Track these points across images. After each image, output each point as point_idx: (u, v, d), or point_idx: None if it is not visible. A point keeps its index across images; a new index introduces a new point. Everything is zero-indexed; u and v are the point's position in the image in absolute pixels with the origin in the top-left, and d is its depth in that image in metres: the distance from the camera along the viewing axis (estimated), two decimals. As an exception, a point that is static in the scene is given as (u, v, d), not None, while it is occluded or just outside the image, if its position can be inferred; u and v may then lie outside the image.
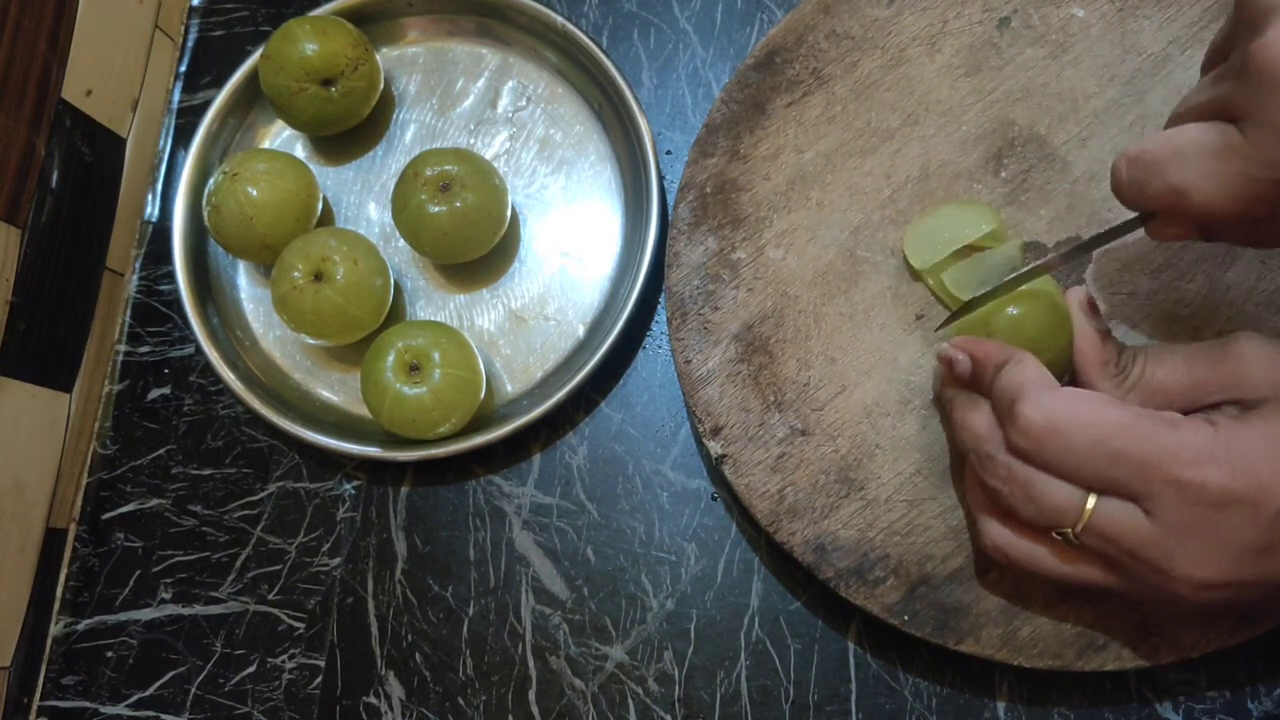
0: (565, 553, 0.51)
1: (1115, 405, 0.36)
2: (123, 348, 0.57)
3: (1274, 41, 0.32)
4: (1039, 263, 0.42)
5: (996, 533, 0.39)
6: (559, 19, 0.55)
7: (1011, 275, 0.42)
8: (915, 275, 0.48)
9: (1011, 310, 0.40)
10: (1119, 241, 0.47)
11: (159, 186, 0.59)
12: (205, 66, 0.60)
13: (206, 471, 0.55)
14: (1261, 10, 0.33)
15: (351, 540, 0.53)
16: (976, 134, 0.49)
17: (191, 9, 0.61)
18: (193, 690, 0.52)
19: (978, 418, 0.39)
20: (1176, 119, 0.37)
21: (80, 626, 0.53)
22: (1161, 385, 0.38)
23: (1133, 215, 0.39)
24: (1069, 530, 0.36)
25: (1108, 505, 0.35)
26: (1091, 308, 0.40)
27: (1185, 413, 0.37)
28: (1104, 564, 0.37)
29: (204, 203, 0.52)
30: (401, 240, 0.53)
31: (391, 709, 0.50)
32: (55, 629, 0.53)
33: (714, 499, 0.51)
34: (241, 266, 0.57)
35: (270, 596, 0.52)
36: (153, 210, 0.59)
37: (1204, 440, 0.34)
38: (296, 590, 0.52)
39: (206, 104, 0.56)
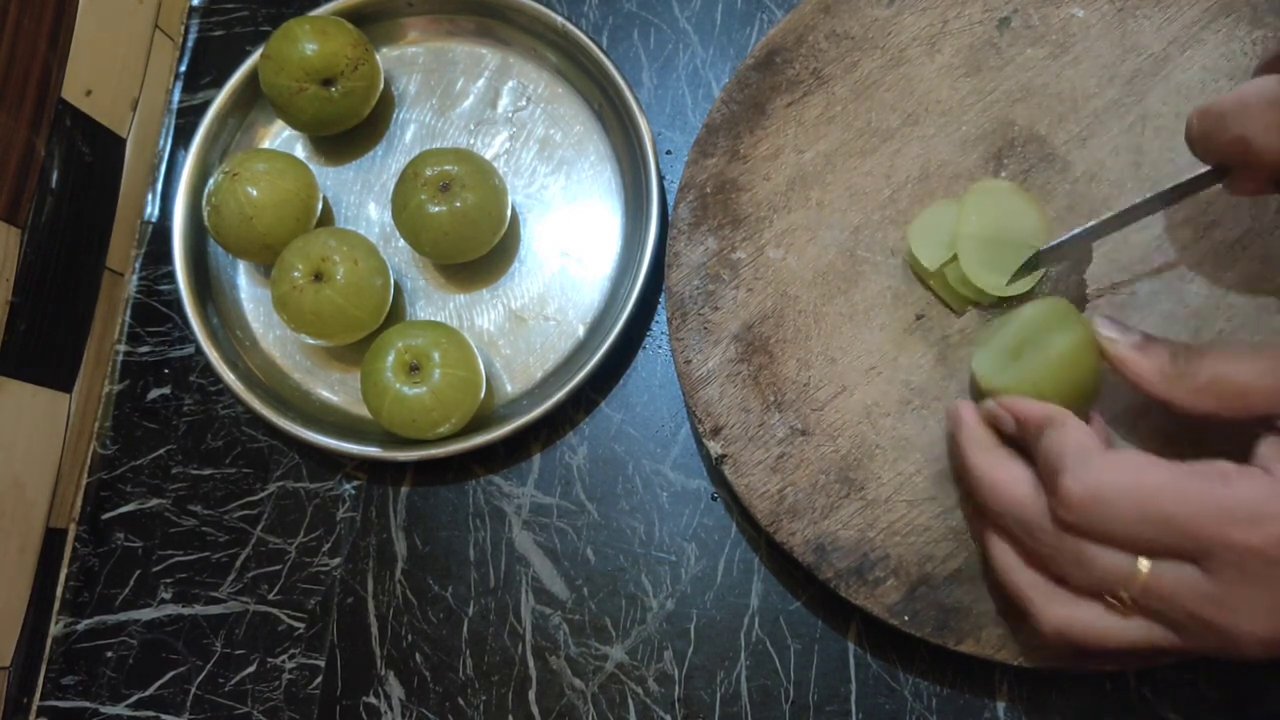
0: (565, 553, 0.51)
1: (1161, 466, 0.35)
2: (123, 348, 0.57)
3: None
4: (1102, 221, 0.42)
5: (1056, 613, 0.37)
6: (559, 19, 0.55)
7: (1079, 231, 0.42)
8: (916, 275, 0.48)
9: (1049, 361, 0.40)
10: (1119, 241, 0.47)
11: (159, 186, 0.59)
12: (205, 66, 0.60)
13: (206, 471, 0.55)
14: None
15: (351, 540, 0.53)
16: (976, 134, 0.49)
17: (191, 9, 0.61)
18: (193, 690, 0.52)
19: (1017, 484, 0.38)
20: (1256, 72, 0.38)
21: (80, 626, 0.53)
22: (1244, 388, 0.36)
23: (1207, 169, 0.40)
24: (1124, 595, 0.35)
25: (1162, 567, 0.34)
26: (1120, 329, 0.39)
27: (1268, 419, 0.36)
28: (1165, 624, 0.36)
29: (204, 203, 0.52)
30: (401, 240, 0.53)
31: (391, 709, 0.50)
32: (55, 629, 0.53)
33: (714, 499, 0.51)
34: (241, 266, 0.57)
35: (270, 596, 0.52)
36: (153, 210, 0.59)
37: (1259, 495, 0.33)
38: (296, 590, 0.52)
39: (206, 104, 0.56)
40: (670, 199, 0.53)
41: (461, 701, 0.50)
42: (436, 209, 0.50)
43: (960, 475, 0.43)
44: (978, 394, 0.44)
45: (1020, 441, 0.40)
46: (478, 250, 0.53)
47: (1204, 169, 0.40)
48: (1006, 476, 0.38)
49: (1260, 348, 0.37)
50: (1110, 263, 0.46)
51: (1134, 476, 0.35)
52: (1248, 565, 0.33)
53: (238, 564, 0.53)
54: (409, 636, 0.51)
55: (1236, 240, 0.46)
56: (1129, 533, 0.34)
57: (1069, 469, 0.35)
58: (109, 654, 0.53)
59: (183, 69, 0.60)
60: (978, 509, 0.41)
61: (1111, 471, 0.35)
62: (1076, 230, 0.43)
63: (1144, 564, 0.35)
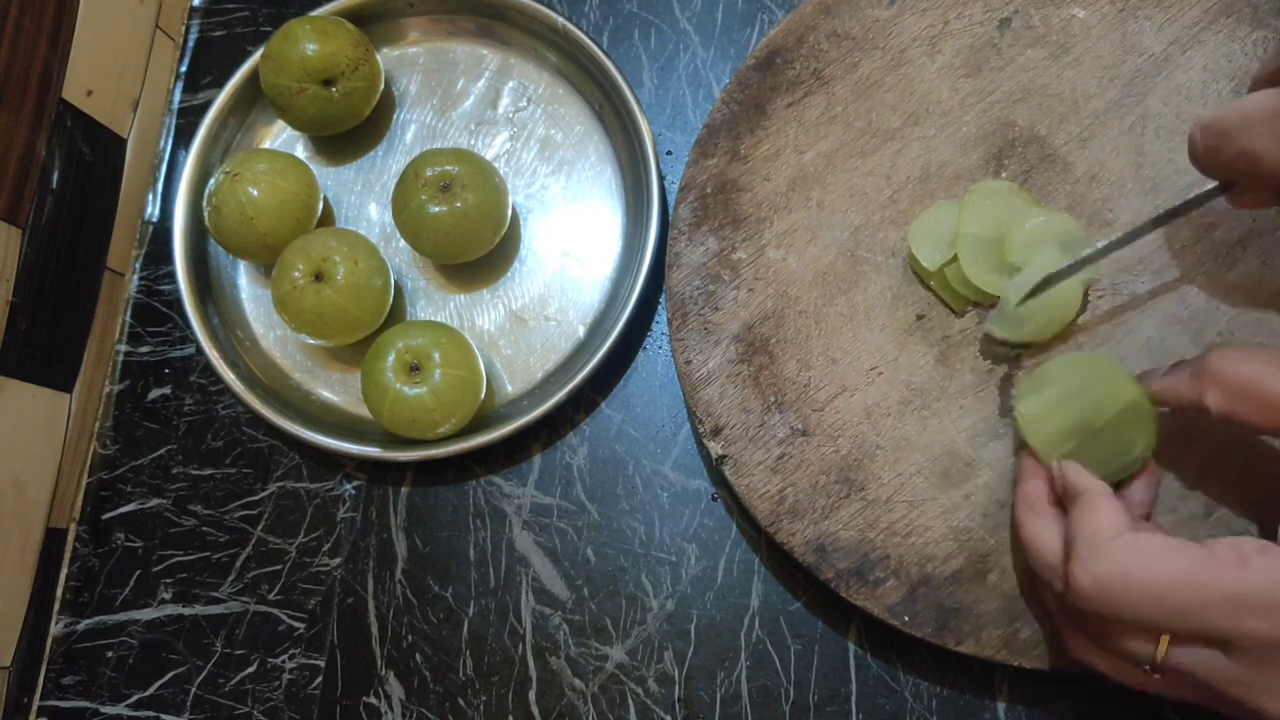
0: (565, 553, 0.51)
1: (1176, 553, 0.34)
2: (123, 348, 0.57)
3: None
4: (1107, 243, 0.41)
5: (1080, 647, 0.38)
6: (559, 19, 0.55)
7: (1078, 259, 0.42)
8: (916, 276, 0.48)
9: (1118, 460, 0.40)
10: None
11: (159, 186, 0.59)
12: (206, 66, 0.60)
13: (207, 471, 0.55)
14: None
15: (351, 540, 0.53)
16: (977, 135, 0.49)
17: (192, 9, 0.61)
18: (193, 690, 0.52)
19: (1052, 552, 0.38)
20: (1254, 85, 0.37)
21: (80, 626, 0.53)
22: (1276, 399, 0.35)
23: (1213, 185, 0.39)
24: (1147, 667, 0.35)
25: (1182, 650, 0.34)
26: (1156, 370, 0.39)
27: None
28: (1189, 690, 0.36)
29: (204, 203, 0.52)
30: (402, 240, 0.53)
31: (391, 709, 0.50)
32: (55, 629, 0.53)
33: (714, 499, 0.51)
34: (242, 266, 0.57)
35: (270, 596, 0.52)
36: (153, 210, 0.59)
37: (1275, 581, 0.32)
38: (296, 590, 0.52)
39: (207, 104, 0.56)
40: (671, 199, 0.53)
41: (461, 702, 0.50)
42: (437, 209, 0.50)
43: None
44: (1019, 441, 0.45)
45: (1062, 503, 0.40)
46: (478, 250, 0.53)
47: (1207, 184, 0.39)
48: (1045, 542, 0.38)
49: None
50: (1111, 262, 0.46)
51: (1144, 567, 0.34)
52: (1270, 651, 0.32)
53: (238, 564, 0.53)
54: (409, 637, 0.51)
55: (1237, 240, 0.46)
56: (1141, 621, 0.34)
57: (1077, 556, 0.35)
58: (109, 654, 0.53)
59: (183, 69, 0.60)
60: None
61: (1120, 563, 0.34)
62: (1086, 252, 0.43)
63: (1163, 646, 0.34)
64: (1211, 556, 0.34)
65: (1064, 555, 0.37)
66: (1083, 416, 0.41)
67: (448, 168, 0.50)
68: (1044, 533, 0.39)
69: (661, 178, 0.53)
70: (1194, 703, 0.36)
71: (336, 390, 0.55)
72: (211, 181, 0.52)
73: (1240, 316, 0.45)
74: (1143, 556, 0.34)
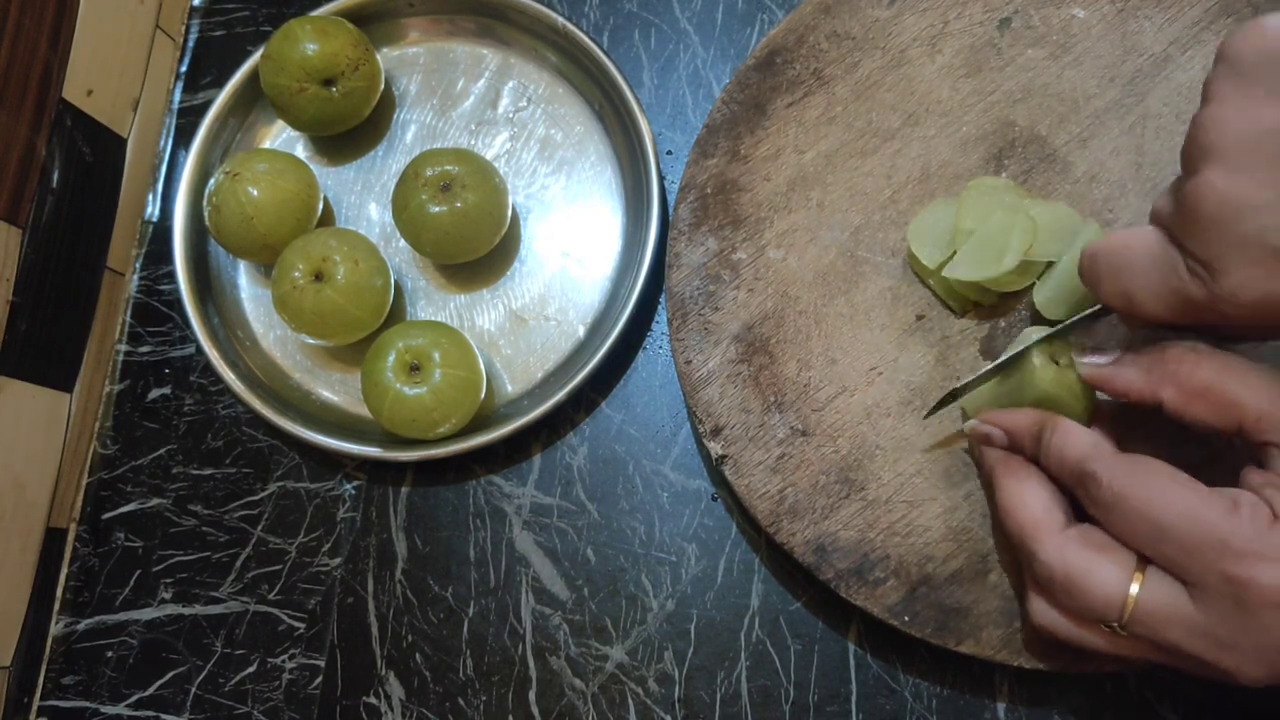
0: (565, 553, 0.51)
1: (1179, 480, 0.35)
2: (123, 347, 0.57)
3: (1201, 185, 0.32)
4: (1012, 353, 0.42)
5: (1044, 613, 0.38)
6: (559, 19, 0.55)
7: (992, 365, 0.42)
8: (916, 275, 0.48)
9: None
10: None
11: (159, 186, 0.59)
12: (206, 66, 0.60)
13: (207, 471, 0.55)
14: (1199, 150, 0.33)
15: (351, 540, 0.53)
16: (977, 134, 0.49)
17: (192, 9, 0.61)
18: (193, 690, 0.52)
19: (1031, 499, 0.38)
20: (1150, 215, 0.37)
21: (80, 626, 0.53)
22: (1238, 400, 0.36)
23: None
24: (1114, 624, 0.36)
25: (1152, 592, 0.34)
26: (1097, 353, 0.40)
27: (1261, 443, 0.36)
28: (1153, 649, 0.36)
29: (205, 202, 0.52)
30: (402, 240, 0.53)
31: (391, 709, 0.50)
32: (55, 629, 0.53)
33: (714, 499, 0.51)
34: (242, 266, 0.57)
35: (270, 596, 0.52)
36: (153, 210, 0.59)
37: (1258, 532, 0.33)
38: (297, 590, 0.52)
39: (207, 104, 0.56)
40: (671, 199, 0.53)
41: (462, 702, 0.50)
42: (437, 209, 0.50)
43: (986, 488, 0.44)
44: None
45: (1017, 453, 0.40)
46: (478, 250, 0.53)
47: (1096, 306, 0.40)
48: (1029, 504, 0.39)
49: (1260, 365, 0.37)
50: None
51: (1158, 487, 0.35)
52: (1235, 603, 0.33)
53: (238, 564, 0.53)
54: (409, 637, 0.51)
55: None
56: (1137, 535, 0.35)
57: (1101, 461, 0.36)
58: (109, 654, 0.53)
59: (183, 69, 0.60)
60: None
61: (1134, 478, 0.35)
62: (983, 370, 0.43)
63: (1134, 588, 0.35)
64: (1208, 492, 0.34)
65: (1069, 479, 0.37)
66: (1009, 398, 0.42)
67: (448, 168, 0.50)
68: (1030, 493, 0.39)
69: (661, 178, 0.53)
70: (1155, 662, 0.37)
71: (336, 390, 0.55)
72: (211, 181, 0.52)
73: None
74: (1150, 472, 0.35)
